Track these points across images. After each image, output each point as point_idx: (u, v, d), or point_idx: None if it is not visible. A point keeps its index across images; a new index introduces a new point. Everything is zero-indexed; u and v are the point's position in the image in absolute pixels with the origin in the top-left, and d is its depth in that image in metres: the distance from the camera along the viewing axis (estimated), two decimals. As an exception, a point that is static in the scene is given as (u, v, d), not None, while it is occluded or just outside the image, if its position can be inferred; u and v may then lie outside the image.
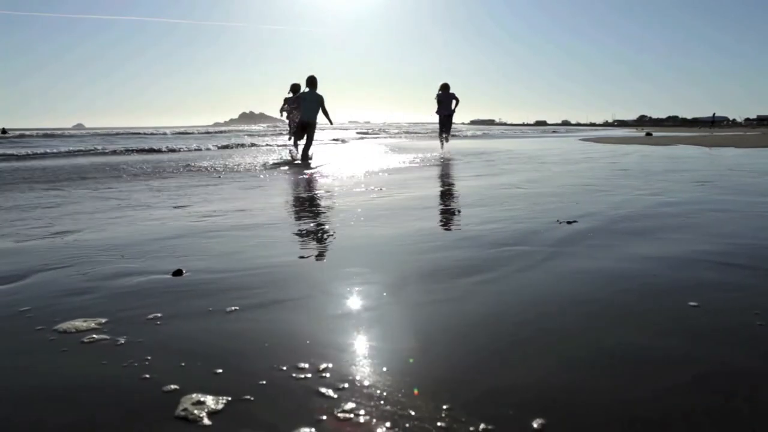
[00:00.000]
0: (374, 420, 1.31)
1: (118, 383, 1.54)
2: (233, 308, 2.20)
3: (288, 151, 13.19)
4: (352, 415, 1.33)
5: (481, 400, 1.40)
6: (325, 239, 3.61)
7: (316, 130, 11.35)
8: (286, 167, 9.87)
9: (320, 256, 3.14)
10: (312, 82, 11.04)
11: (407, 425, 1.28)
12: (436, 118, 14.09)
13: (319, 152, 13.29)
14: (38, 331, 2.01)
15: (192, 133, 37.02)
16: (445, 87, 13.86)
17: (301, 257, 3.09)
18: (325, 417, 1.33)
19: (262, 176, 8.39)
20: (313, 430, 1.28)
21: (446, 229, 3.87)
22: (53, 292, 2.53)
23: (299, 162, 10.79)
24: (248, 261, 3.01)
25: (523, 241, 3.40)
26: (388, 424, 1.29)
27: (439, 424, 1.28)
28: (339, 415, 1.34)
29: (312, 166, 9.94)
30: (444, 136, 14.34)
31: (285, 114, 12.47)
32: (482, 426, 1.27)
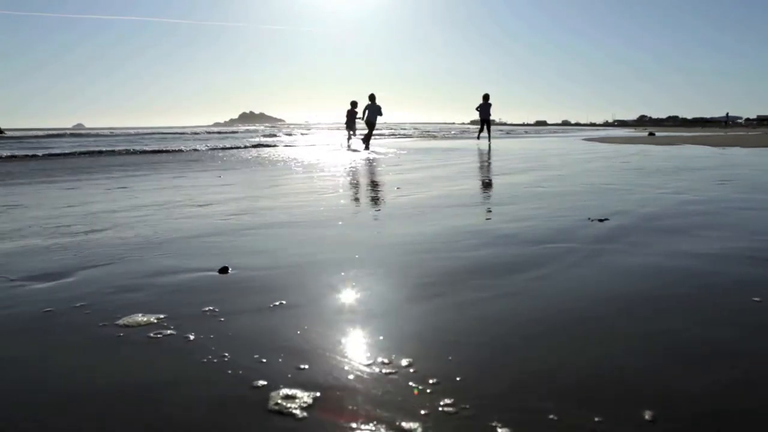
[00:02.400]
0: (482, 413, 1.30)
1: (204, 379, 1.53)
2: (293, 304, 2.19)
3: (340, 144, 18.71)
4: (453, 409, 1.32)
5: (584, 392, 1.39)
6: (367, 235, 3.60)
7: (375, 128, 17.77)
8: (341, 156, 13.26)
9: (365, 253, 3.12)
10: (372, 97, 16.92)
11: (516, 418, 1.27)
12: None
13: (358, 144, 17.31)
14: (102, 327, 2.00)
15: (229, 132, 37.23)
16: (485, 97, 18.73)
17: (347, 255, 3.07)
18: (426, 411, 1.32)
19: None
20: (418, 424, 1.26)
21: (482, 227, 3.86)
22: (103, 288, 2.51)
23: (351, 149, 16.34)
24: (292, 258, 3.00)
25: (562, 239, 3.39)
26: (495, 418, 1.28)
27: (551, 416, 1.27)
28: (442, 409, 1.32)
29: (371, 151, 14.92)
30: (483, 135, 19.32)
31: (348, 116, 18.21)
32: (596, 418, 1.26)
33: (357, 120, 18.01)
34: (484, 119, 19.21)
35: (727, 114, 69.75)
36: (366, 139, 16.87)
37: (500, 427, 1.23)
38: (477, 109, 19.07)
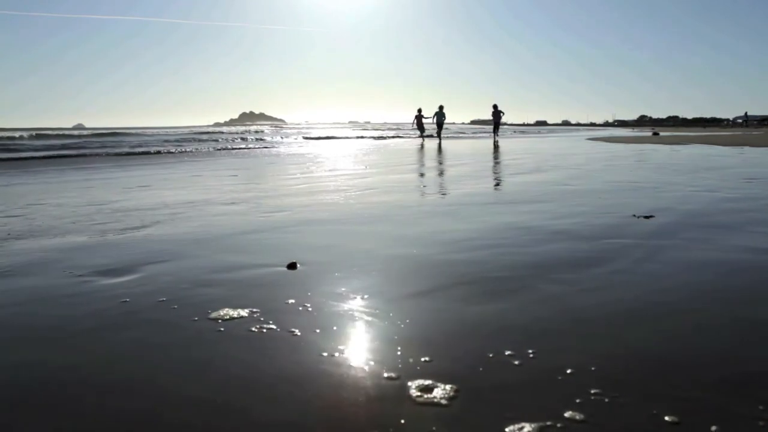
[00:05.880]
0: (637, 401, 1.29)
1: (334, 372, 1.52)
2: (378, 298, 2.18)
3: (420, 142, 23.14)
4: (606, 398, 1.31)
5: (731, 381, 1.39)
6: (419, 232, 3.58)
7: (444, 128, 25.33)
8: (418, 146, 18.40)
9: (425, 249, 3.10)
10: (441, 107, 24.19)
11: (679, 407, 1.26)
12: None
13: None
14: (197, 321, 1.98)
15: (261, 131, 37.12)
16: (495, 106, 24.17)
17: (407, 251, 3.06)
18: (580, 400, 1.31)
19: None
20: (581, 412, 1.26)
21: (531, 224, 3.84)
22: (177, 284, 2.50)
23: (424, 143, 21.82)
24: (354, 253, 2.99)
25: (617, 235, 3.39)
26: (655, 407, 1.27)
27: (713, 404, 1.26)
28: (594, 397, 1.32)
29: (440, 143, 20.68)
30: (495, 136, 25.15)
31: (415, 121, 25.03)
32: (760, 407, 1.26)
33: (425, 122, 25.21)
34: (496, 122, 25.21)
35: (746, 113, 62.63)
36: (438, 134, 24.73)
37: (667, 415, 1.22)
38: (491, 115, 24.96)
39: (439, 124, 24.72)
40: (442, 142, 22.88)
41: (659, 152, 13.24)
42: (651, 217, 4.03)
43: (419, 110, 25.19)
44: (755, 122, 61.03)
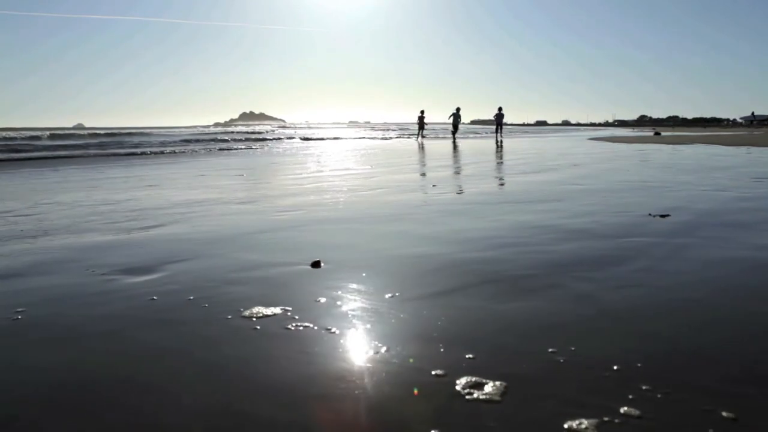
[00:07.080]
0: (690, 397, 1.30)
1: (380, 370, 1.52)
2: (409, 296, 2.18)
3: (417, 142, 24.23)
4: (659, 394, 1.31)
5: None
6: (437, 231, 3.57)
7: (459, 129, 27.13)
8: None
9: (446, 248, 3.10)
10: (458, 109, 25.80)
11: (736, 403, 1.26)
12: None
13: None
14: (231, 319, 1.98)
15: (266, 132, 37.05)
16: (499, 109, 26.15)
17: (427, 249, 3.06)
18: (632, 396, 1.31)
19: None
20: (636, 408, 1.26)
21: (548, 223, 3.84)
22: (203, 282, 2.49)
23: (422, 143, 22.52)
24: (376, 252, 2.99)
25: (635, 233, 3.39)
26: (709, 402, 1.27)
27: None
28: (646, 393, 1.32)
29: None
30: (498, 135, 26.51)
31: (419, 121, 25.94)
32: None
33: (426, 123, 26.65)
34: (498, 123, 27.03)
35: (753, 113, 63.19)
36: (453, 134, 26.30)
37: (724, 411, 1.22)
38: (494, 117, 26.97)
39: (455, 126, 26.45)
40: (440, 141, 23.54)
41: (663, 152, 13.25)
42: (667, 216, 4.03)
43: (422, 111, 26.74)
44: (755, 122, 61.09)
